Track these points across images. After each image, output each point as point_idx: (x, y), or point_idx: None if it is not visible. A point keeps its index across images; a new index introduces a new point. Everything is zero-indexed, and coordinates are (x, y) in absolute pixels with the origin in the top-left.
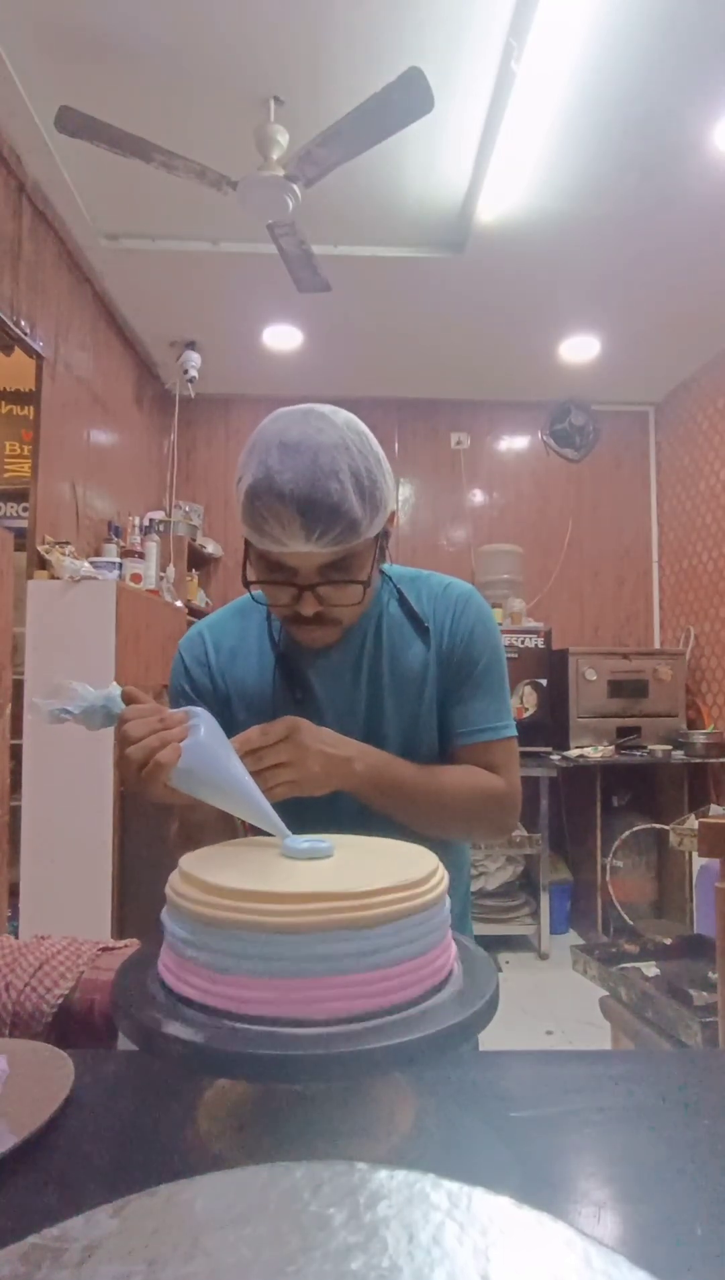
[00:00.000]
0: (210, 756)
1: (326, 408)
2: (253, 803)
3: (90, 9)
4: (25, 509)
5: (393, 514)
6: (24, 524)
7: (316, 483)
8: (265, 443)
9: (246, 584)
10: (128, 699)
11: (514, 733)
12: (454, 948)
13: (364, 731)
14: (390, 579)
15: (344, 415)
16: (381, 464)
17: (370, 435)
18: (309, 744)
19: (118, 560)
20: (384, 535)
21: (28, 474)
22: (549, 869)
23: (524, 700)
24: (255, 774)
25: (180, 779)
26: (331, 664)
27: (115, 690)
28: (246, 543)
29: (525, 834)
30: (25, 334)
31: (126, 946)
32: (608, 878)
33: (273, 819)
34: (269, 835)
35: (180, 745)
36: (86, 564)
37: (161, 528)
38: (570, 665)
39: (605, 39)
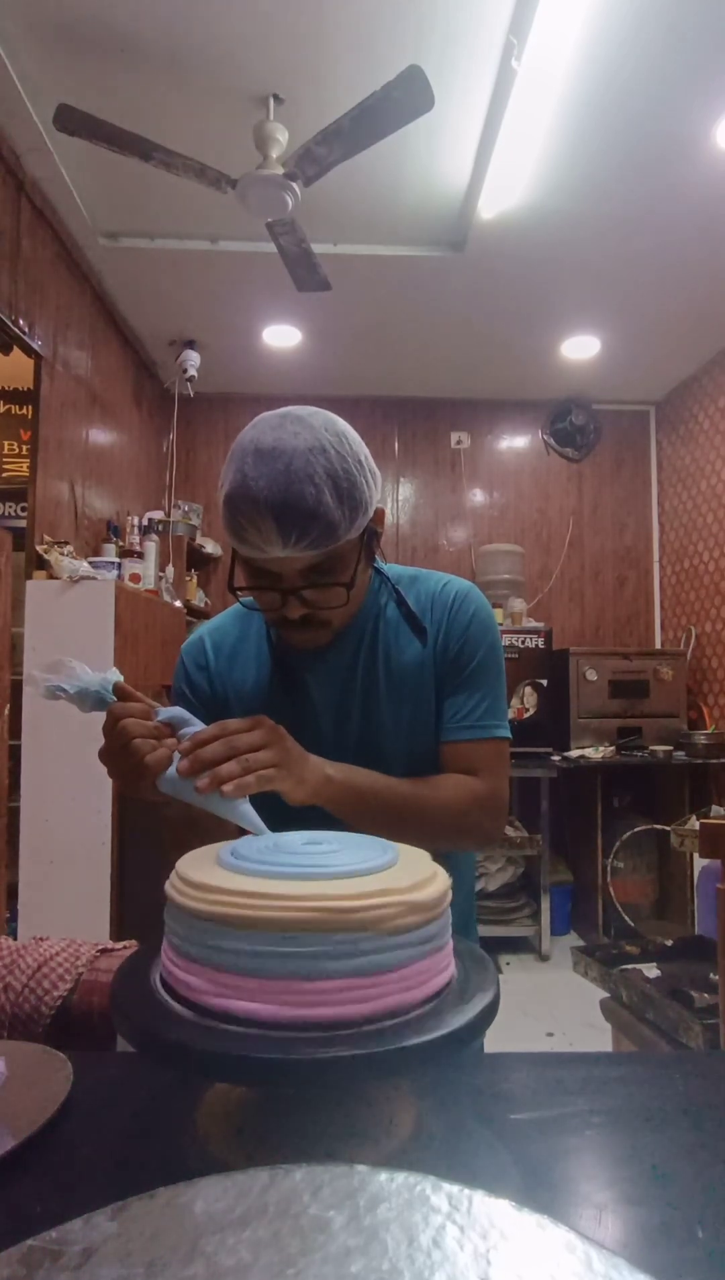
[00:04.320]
0: None
1: (305, 410)
2: (233, 806)
3: (89, 7)
4: (24, 509)
5: (380, 512)
6: (23, 524)
7: (290, 487)
8: (242, 450)
9: (232, 590)
10: (120, 693)
11: (504, 734)
12: (454, 949)
13: (360, 733)
14: (388, 580)
15: (323, 417)
16: (363, 464)
17: (351, 435)
18: (284, 733)
19: (116, 560)
20: (371, 535)
21: (26, 473)
22: (549, 870)
23: (524, 700)
24: (232, 760)
25: (167, 784)
26: (328, 666)
27: (112, 676)
28: (233, 550)
29: (526, 835)
30: (24, 333)
31: (125, 948)
32: (608, 879)
33: (254, 819)
34: (273, 834)
35: (171, 754)
36: (85, 564)
37: (160, 527)
38: (571, 665)
39: (605, 37)
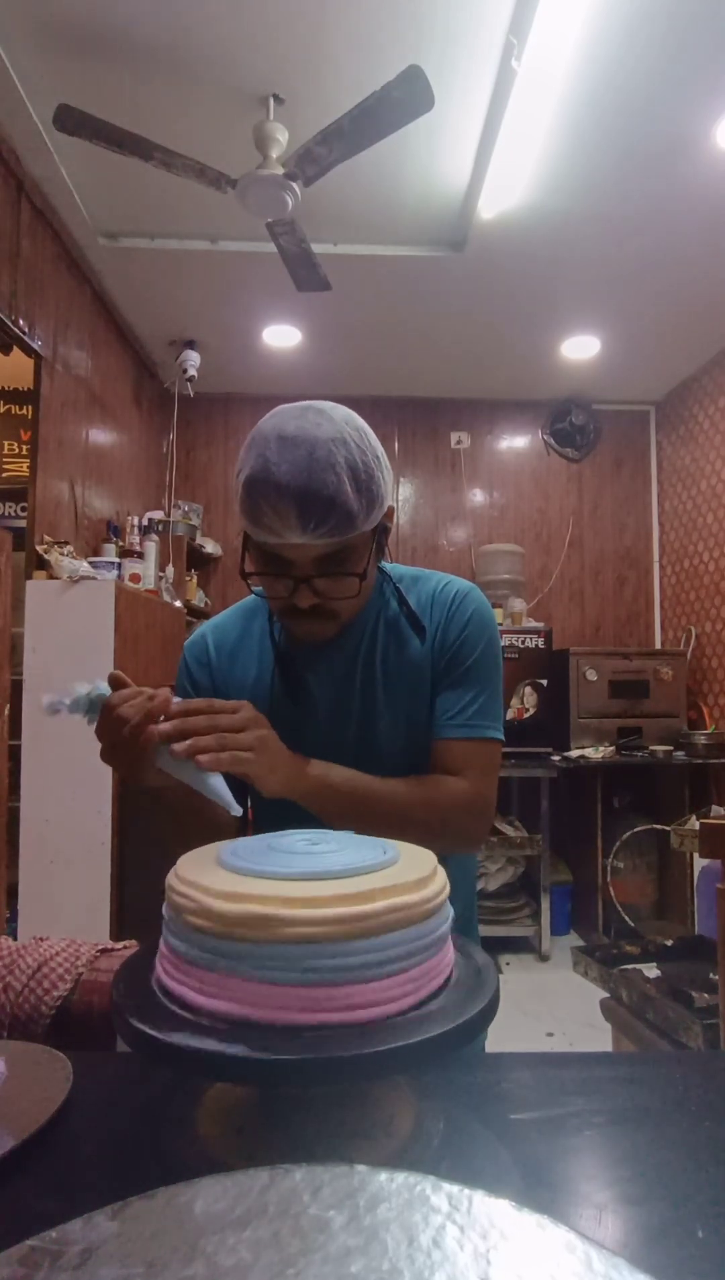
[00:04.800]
0: None
1: (326, 404)
2: (205, 780)
3: (89, 7)
4: (24, 509)
5: (391, 510)
6: (23, 524)
7: (313, 474)
8: (264, 436)
9: (244, 576)
10: (115, 682)
11: (496, 735)
12: (454, 949)
13: (359, 731)
14: (391, 579)
15: (343, 411)
16: (380, 459)
17: (369, 431)
18: (266, 721)
19: (116, 560)
20: (382, 530)
21: (26, 473)
22: (550, 870)
23: (524, 700)
24: (212, 734)
25: (164, 759)
26: (329, 664)
27: (101, 684)
28: (245, 535)
29: (526, 835)
30: (24, 333)
31: (125, 948)
32: (608, 879)
33: (225, 795)
34: (269, 832)
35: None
36: (85, 564)
37: (160, 527)
38: (571, 665)
39: (606, 37)
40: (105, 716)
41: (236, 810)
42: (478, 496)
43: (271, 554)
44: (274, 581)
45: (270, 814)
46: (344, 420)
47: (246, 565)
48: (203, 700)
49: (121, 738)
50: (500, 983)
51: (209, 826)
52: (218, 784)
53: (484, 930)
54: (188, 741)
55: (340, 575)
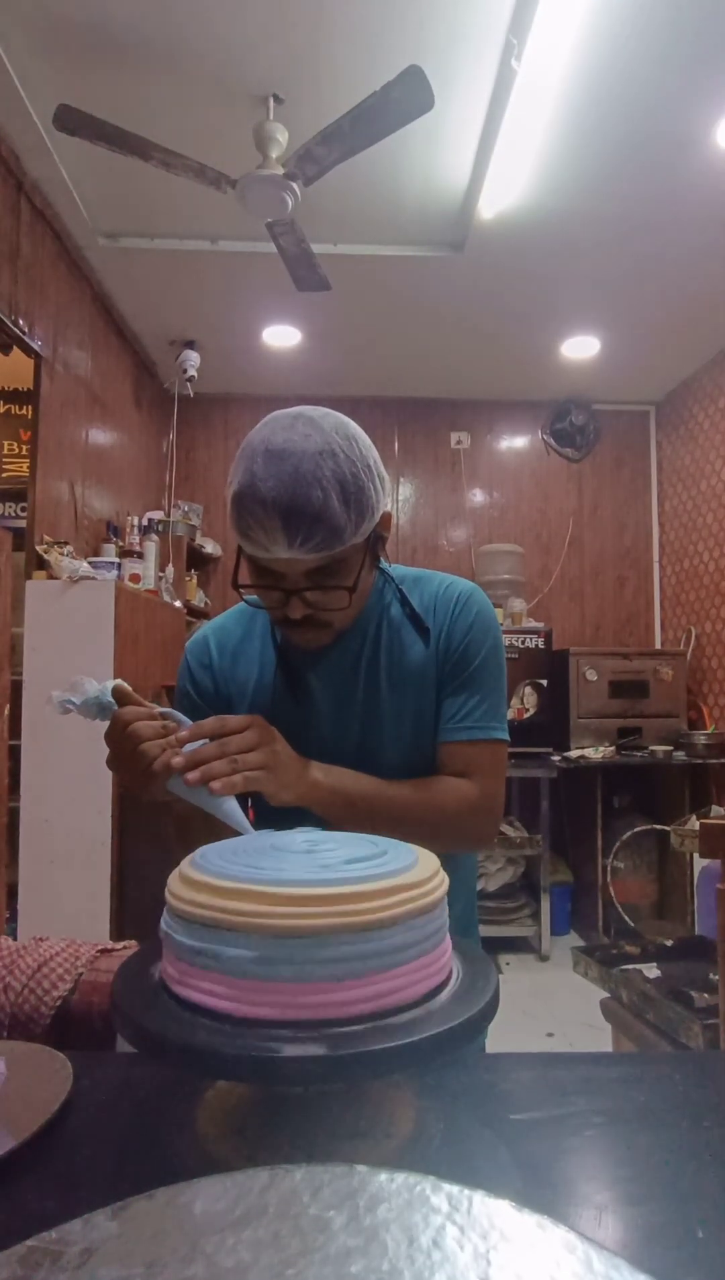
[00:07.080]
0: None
1: (318, 411)
2: (220, 804)
3: (89, 7)
4: (24, 509)
5: (387, 516)
6: (23, 524)
7: (298, 490)
8: (252, 449)
9: (236, 587)
10: (120, 696)
11: (502, 736)
12: (453, 948)
13: (361, 733)
14: (392, 580)
15: (334, 419)
16: (371, 469)
17: (361, 439)
18: (276, 735)
19: (116, 560)
20: (377, 539)
21: (26, 473)
22: (549, 870)
23: (524, 700)
24: (223, 759)
25: (175, 783)
26: (332, 665)
27: (110, 685)
28: (238, 547)
29: (526, 835)
30: (24, 333)
31: (125, 948)
32: (608, 879)
33: (240, 819)
34: (270, 830)
35: (184, 750)
36: (85, 564)
37: (160, 527)
38: (571, 665)
39: (606, 37)
40: (114, 732)
41: (249, 832)
42: (478, 496)
43: (263, 566)
44: (266, 593)
45: (272, 811)
46: (334, 430)
47: (240, 576)
48: (213, 720)
49: (134, 765)
50: (500, 983)
51: (213, 828)
52: (231, 807)
53: (484, 930)
54: (199, 770)
55: (331, 588)
